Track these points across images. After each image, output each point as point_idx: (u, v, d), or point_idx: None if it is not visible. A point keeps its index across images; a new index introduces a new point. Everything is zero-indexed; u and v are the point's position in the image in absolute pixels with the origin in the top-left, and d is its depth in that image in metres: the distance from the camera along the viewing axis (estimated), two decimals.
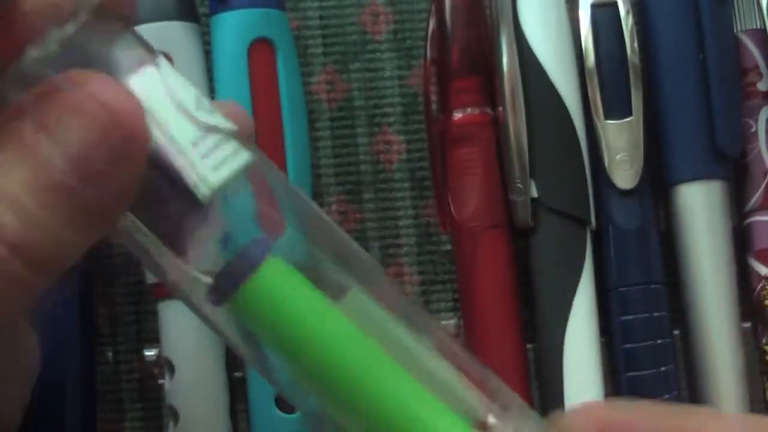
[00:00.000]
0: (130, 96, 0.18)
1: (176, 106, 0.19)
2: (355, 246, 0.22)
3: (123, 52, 0.20)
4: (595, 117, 0.35)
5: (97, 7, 0.20)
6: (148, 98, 0.19)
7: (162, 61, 0.20)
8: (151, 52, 0.20)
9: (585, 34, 0.35)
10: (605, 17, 0.35)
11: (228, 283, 0.20)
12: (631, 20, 0.35)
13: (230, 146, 0.20)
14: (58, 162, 0.17)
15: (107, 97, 0.18)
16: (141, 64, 0.20)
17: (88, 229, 0.18)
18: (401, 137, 0.38)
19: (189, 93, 0.20)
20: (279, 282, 0.20)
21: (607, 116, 0.35)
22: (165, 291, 0.34)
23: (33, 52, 0.19)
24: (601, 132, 0.35)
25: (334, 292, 0.21)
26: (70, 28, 0.19)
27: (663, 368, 0.35)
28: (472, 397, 0.21)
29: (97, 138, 0.17)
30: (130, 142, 0.18)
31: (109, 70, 0.19)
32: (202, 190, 0.19)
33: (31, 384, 0.22)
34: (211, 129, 0.19)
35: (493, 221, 0.35)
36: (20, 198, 0.17)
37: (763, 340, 0.36)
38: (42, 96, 0.18)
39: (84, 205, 0.17)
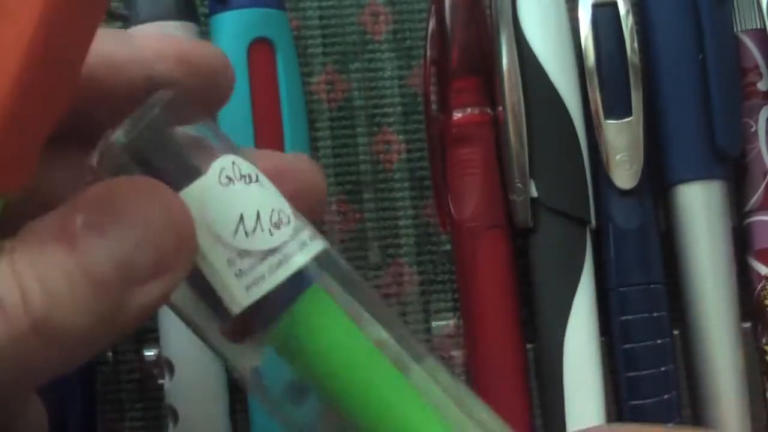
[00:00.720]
0: (185, 210, 0.19)
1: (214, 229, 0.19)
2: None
3: (193, 150, 0.20)
4: (595, 117, 0.35)
5: (170, 101, 0.20)
6: (199, 211, 0.19)
7: (235, 164, 0.20)
8: (228, 150, 0.21)
9: (585, 34, 0.35)
10: (605, 17, 0.35)
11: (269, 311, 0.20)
12: (631, 20, 0.35)
13: (274, 260, 0.20)
14: (104, 260, 0.17)
15: (161, 207, 0.18)
16: (208, 165, 0.20)
17: (114, 326, 0.18)
18: (401, 137, 0.38)
19: (246, 208, 0.20)
20: (321, 308, 0.20)
21: (607, 116, 0.35)
22: None
23: (106, 143, 0.19)
24: (601, 132, 0.35)
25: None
26: (139, 125, 0.19)
27: (663, 368, 0.35)
28: None
29: (145, 247, 0.18)
30: (177, 254, 0.18)
31: (174, 166, 0.20)
32: (234, 309, 0.20)
33: None
34: (247, 253, 0.20)
35: (493, 221, 0.35)
36: (56, 282, 0.17)
37: (763, 340, 0.36)
38: (99, 195, 0.18)
39: (116, 306, 0.18)
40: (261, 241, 0.20)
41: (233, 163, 0.20)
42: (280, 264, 0.20)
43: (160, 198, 0.18)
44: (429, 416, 0.20)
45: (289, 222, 0.20)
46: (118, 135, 0.19)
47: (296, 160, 0.24)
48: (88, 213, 0.18)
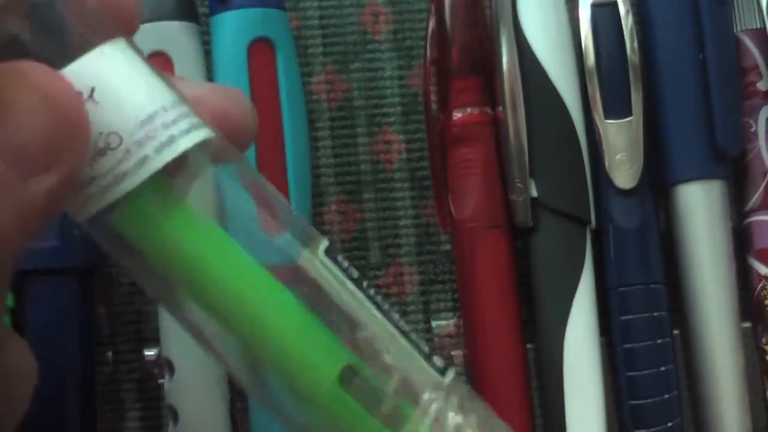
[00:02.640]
0: (70, 92, 0.18)
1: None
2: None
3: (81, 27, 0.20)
4: (595, 117, 0.35)
5: None
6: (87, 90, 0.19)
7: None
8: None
9: (585, 34, 0.35)
10: (605, 17, 0.35)
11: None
12: (631, 20, 0.35)
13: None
14: None
15: (45, 93, 0.18)
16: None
17: (22, 221, 0.18)
18: (401, 137, 0.38)
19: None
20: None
21: (607, 116, 0.35)
22: None
23: None
24: (601, 132, 0.35)
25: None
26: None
27: (663, 368, 0.35)
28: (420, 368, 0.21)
29: (33, 135, 0.17)
30: (68, 138, 0.18)
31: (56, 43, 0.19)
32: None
33: (23, 400, 0.21)
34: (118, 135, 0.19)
35: (493, 221, 0.35)
36: None
37: (763, 340, 0.36)
38: None
39: (17, 200, 0.17)
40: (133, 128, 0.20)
41: (125, 44, 0.20)
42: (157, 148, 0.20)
43: (42, 82, 0.18)
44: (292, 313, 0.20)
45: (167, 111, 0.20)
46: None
47: (227, 92, 0.24)
48: None
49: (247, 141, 0.24)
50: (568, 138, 0.35)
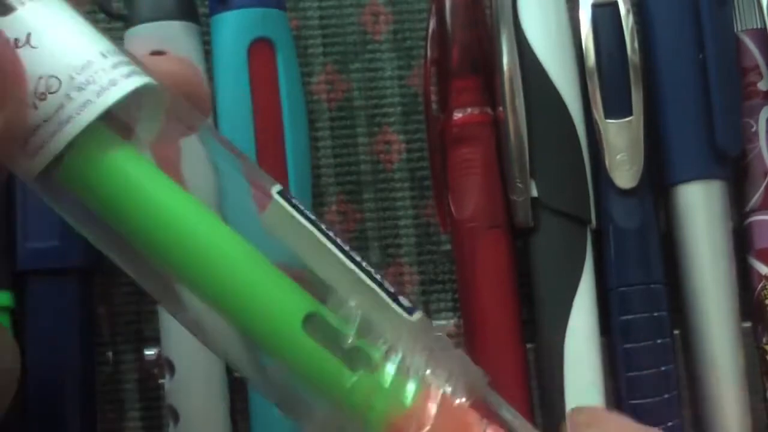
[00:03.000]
0: (3, 38, 0.19)
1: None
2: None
3: None
4: (595, 116, 0.35)
5: None
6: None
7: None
8: None
9: (585, 34, 0.35)
10: (605, 17, 0.35)
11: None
12: (631, 20, 0.35)
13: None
14: None
15: None
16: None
17: None
18: (401, 137, 0.38)
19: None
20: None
21: (608, 116, 0.35)
22: None
23: None
24: (601, 132, 0.35)
25: None
26: None
27: (663, 368, 0.35)
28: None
29: None
30: (4, 80, 0.18)
31: None
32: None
33: (8, 391, 0.21)
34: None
35: (493, 221, 0.35)
36: None
37: (764, 340, 0.36)
38: None
39: None
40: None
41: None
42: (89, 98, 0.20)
43: None
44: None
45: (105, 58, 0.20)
46: None
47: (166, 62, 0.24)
48: None
49: (202, 105, 0.24)
50: (569, 138, 0.35)
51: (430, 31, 0.36)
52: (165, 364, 0.35)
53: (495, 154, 0.36)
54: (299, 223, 0.20)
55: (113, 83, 0.20)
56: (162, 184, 0.20)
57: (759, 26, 0.37)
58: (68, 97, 0.19)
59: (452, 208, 0.36)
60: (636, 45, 0.35)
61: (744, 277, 0.36)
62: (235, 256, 0.20)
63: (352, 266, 0.21)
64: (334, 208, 0.38)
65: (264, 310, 0.20)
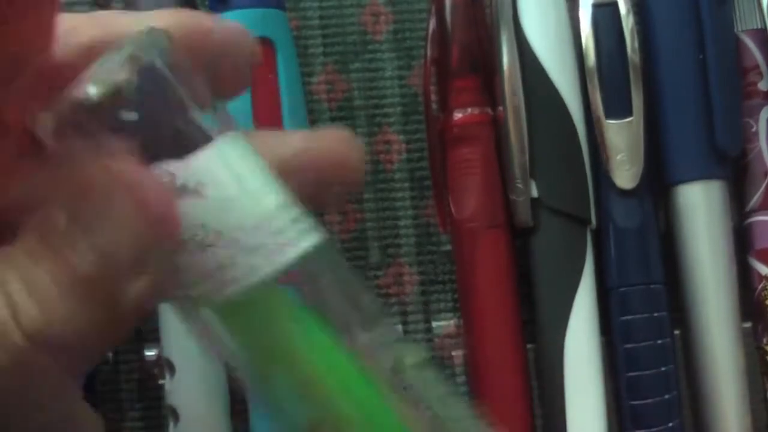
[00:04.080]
0: (166, 201, 0.18)
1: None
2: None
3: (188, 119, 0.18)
4: (595, 117, 0.35)
5: (161, 48, 0.17)
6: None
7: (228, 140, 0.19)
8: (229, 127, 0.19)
9: (585, 34, 0.35)
10: (606, 17, 0.35)
11: None
12: (631, 20, 0.35)
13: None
14: (86, 254, 0.17)
15: (143, 195, 0.17)
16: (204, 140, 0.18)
17: (110, 326, 0.18)
18: (401, 137, 0.38)
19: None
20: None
21: (608, 116, 0.35)
22: None
23: (78, 96, 0.17)
24: (601, 132, 0.35)
25: None
26: (125, 74, 0.17)
27: (663, 368, 0.35)
28: None
29: (128, 242, 0.17)
30: (160, 243, 0.18)
31: (155, 134, 0.18)
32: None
33: None
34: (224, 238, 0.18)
35: (493, 221, 0.35)
36: (45, 287, 0.17)
37: (764, 340, 0.36)
38: (75, 179, 0.17)
39: (107, 305, 0.17)
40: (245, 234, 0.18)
41: (232, 145, 0.19)
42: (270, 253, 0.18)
43: (135, 184, 0.17)
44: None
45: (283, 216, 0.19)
46: (90, 92, 0.17)
47: (325, 139, 0.23)
48: (67, 211, 0.17)
49: (358, 179, 0.23)
50: (569, 138, 0.35)
51: (430, 31, 0.36)
52: (165, 364, 0.35)
53: (495, 154, 0.36)
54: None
55: (288, 243, 0.18)
56: (321, 341, 0.19)
57: (759, 26, 0.37)
58: (232, 256, 0.18)
59: (452, 208, 0.36)
60: (636, 45, 0.35)
61: (744, 277, 0.36)
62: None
63: None
64: None
65: None
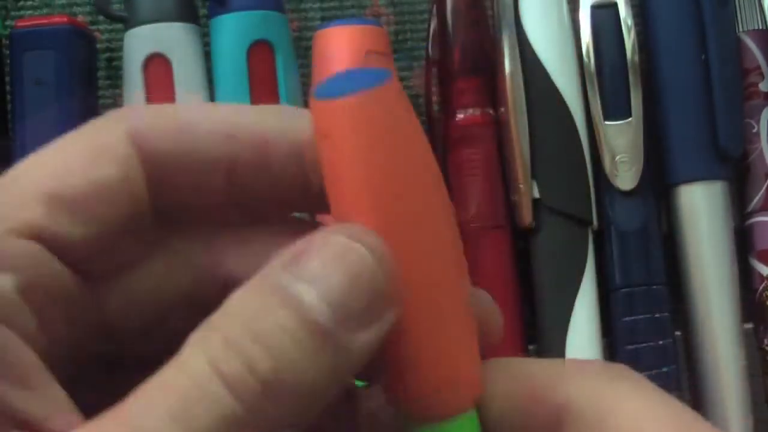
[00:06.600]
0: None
1: None
2: None
3: None
4: (594, 118, 0.35)
5: None
6: None
7: None
8: None
9: (585, 36, 0.35)
10: (606, 18, 0.35)
11: None
12: (631, 21, 0.35)
13: None
14: (317, 305, 0.17)
15: (370, 244, 0.18)
16: None
17: (339, 373, 0.18)
18: None
19: None
20: None
21: (607, 117, 0.35)
22: None
23: None
24: (600, 133, 0.35)
25: None
26: None
27: (665, 369, 0.35)
28: None
29: (359, 290, 0.17)
30: (389, 295, 0.18)
31: None
32: None
33: None
34: None
35: (495, 222, 0.35)
36: (278, 341, 0.17)
37: (765, 341, 0.36)
38: (300, 249, 0.18)
39: (339, 354, 0.17)
40: None
41: None
42: None
43: (362, 231, 0.18)
44: None
45: None
46: None
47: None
48: (294, 266, 0.18)
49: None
50: (570, 139, 0.35)
51: (432, 32, 0.36)
52: None
53: (496, 155, 0.36)
54: None
55: None
56: None
57: (760, 27, 0.37)
58: None
59: (454, 209, 0.36)
60: (636, 47, 0.35)
61: (745, 278, 0.36)
62: None
63: None
64: None
65: None
